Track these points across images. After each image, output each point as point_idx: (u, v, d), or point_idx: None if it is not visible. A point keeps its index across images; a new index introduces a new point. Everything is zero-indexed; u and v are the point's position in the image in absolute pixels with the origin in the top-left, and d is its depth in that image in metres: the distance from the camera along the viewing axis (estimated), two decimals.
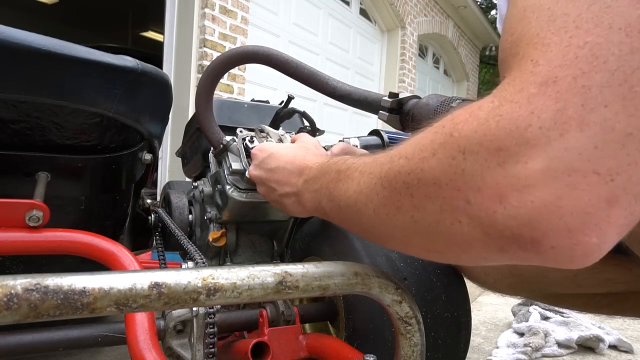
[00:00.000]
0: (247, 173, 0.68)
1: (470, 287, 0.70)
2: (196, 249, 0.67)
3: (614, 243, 0.23)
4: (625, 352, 1.18)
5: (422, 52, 5.66)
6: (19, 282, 0.27)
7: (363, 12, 4.59)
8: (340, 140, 0.99)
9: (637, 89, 0.21)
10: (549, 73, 0.23)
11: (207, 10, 2.94)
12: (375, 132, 1.02)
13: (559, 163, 0.22)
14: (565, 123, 0.22)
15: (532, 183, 0.22)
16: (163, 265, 0.82)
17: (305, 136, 0.64)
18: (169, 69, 3.07)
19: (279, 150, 0.58)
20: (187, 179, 1.19)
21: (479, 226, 0.25)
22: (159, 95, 0.76)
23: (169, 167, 3.08)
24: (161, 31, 3.27)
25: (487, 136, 0.24)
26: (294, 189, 0.54)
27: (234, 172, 0.76)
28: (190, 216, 0.94)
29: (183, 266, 0.62)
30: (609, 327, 1.28)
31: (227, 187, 0.78)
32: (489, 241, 0.25)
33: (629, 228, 0.23)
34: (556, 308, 1.35)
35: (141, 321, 0.51)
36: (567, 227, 0.22)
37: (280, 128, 0.87)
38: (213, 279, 0.33)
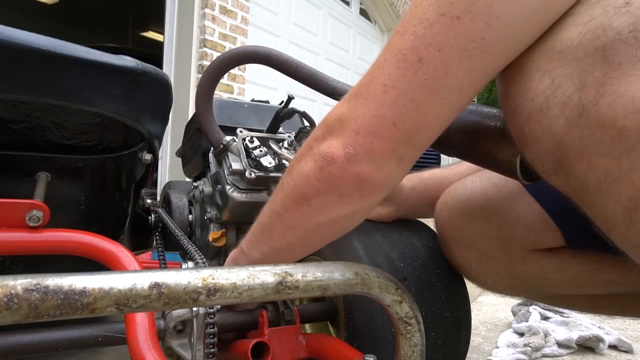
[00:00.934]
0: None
1: (470, 287, 0.70)
2: (196, 249, 0.67)
3: (371, 161, 0.39)
4: (625, 352, 1.18)
5: None
6: (19, 282, 0.27)
7: (363, 12, 4.59)
8: None
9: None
10: (354, 91, 0.41)
11: (207, 10, 2.94)
12: None
13: (346, 122, 0.40)
14: (354, 119, 0.39)
15: (336, 136, 0.41)
16: (163, 265, 0.82)
17: None
18: (169, 69, 3.07)
19: None
20: (187, 179, 1.19)
21: (312, 158, 0.42)
22: (159, 95, 0.76)
23: (169, 167, 3.08)
24: (161, 31, 3.27)
25: (329, 119, 0.42)
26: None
27: (234, 172, 0.76)
28: (190, 216, 0.94)
29: (183, 266, 0.62)
30: (609, 327, 1.28)
31: (227, 187, 0.78)
32: (315, 165, 0.41)
33: (382, 155, 0.39)
34: (556, 308, 1.35)
35: (141, 321, 0.51)
36: (340, 144, 0.40)
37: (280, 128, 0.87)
38: (213, 279, 0.33)
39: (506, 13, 0.32)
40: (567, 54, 0.31)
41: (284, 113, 0.84)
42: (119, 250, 0.62)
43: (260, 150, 0.77)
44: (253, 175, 0.74)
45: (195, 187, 0.93)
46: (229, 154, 0.78)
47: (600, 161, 0.30)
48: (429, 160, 0.97)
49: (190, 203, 0.96)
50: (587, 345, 1.19)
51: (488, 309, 1.51)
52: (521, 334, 1.23)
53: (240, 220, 0.86)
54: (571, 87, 0.31)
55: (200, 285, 0.33)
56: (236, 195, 0.77)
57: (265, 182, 0.76)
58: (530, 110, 0.33)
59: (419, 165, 1.02)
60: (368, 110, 0.38)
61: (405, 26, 0.36)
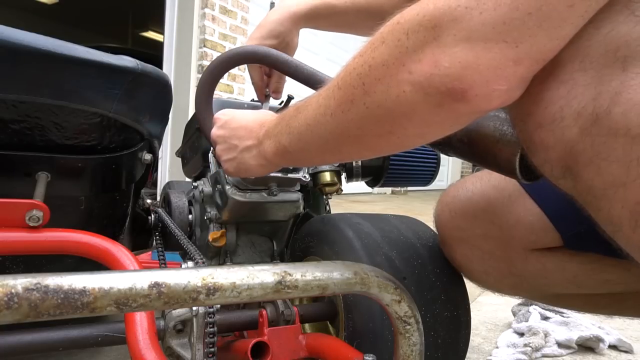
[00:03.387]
0: (210, 135, 0.68)
1: (470, 287, 0.70)
2: (196, 248, 0.67)
3: (519, 90, 0.32)
4: (625, 352, 1.18)
5: None
6: (19, 282, 0.27)
7: None
8: None
9: None
10: None
11: (207, 10, 2.94)
12: None
13: (479, 34, 0.29)
14: (485, 4, 0.28)
15: (459, 49, 0.30)
16: (163, 265, 0.83)
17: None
18: (169, 69, 3.07)
19: (242, 113, 0.62)
20: (187, 179, 1.20)
21: (420, 90, 0.32)
22: (159, 95, 0.76)
23: (169, 167, 3.08)
24: (161, 31, 3.28)
25: (426, 17, 0.31)
26: (255, 141, 0.55)
27: None
28: (190, 216, 0.94)
29: (183, 266, 0.62)
30: (608, 327, 1.28)
31: (227, 187, 0.78)
32: (428, 100, 0.32)
33: (529, 80, 0.31)
34: (556, 308, 1.35)
35: (141, 321, 0.51)
36: (484, 78, 0.30)
37: None
38: (212, 278, 0.34)
39: None
40: (588, 64, 0.31)
41: None
42: (119, 250, 0.62)
43: None
44: None
45: (195, 187, 0.93)
46: None
47: (609, 167, 0.30)
48: (428, 160, 0.97)
49: (190, 203, 0.96)
50: (587, 345, 1.19)
51: (488, 309, 1.51)
52: (521, 334, 1.23)
53: (240, 220, 0.86)
54: (587, 97, 0.30)
55: (199, 284, 0.33)
56: (236, 195, 0.77)
57: (265, 182, 0.76)
58: (542, 120, 0.33)
59: (417, 166, 1.02)
60: (541, 33, 0.28)
61: None
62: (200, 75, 2.52)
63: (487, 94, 0.30)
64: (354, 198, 4.88)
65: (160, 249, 0.89)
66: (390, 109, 0.34)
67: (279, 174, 0.77)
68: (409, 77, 0.32)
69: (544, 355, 1.13)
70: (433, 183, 1.09)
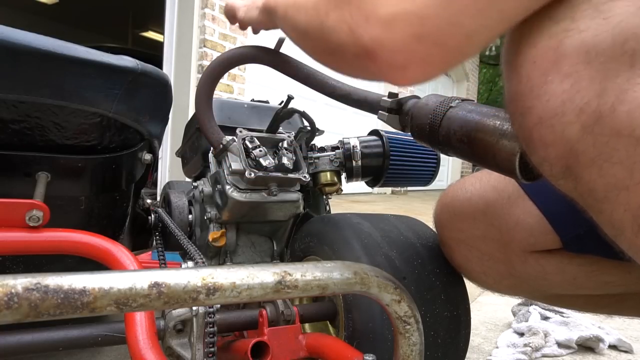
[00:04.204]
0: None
1: (470, 287, 0.70)
2: (196, 248, 0.67)
3: (420, 72, 0.36)
4: (625, 352, 1.18)
5: None
6: (19, 282, 0.27)
7: None
8: (339, 141, 0.99)
9: None
10: None
11: (207, 10, 2.95)
12: (375, 132, 1.02)
13: (397, 11, 0.33)
14: (419, 19, 0.32)
15: (381, 17, 0.34)
16: (163, 265, 0.83)
17: None
18: (169, 69, 3.07)
19: None
20: (187, 179, 1.20)
21: (351, 34, 0.37)
22: (159, 95, 0.76)
23: (169, 167, 3.08)
24: (161, 31, 3.28)
25: None
26: None
27: (234, 172, 0.76)
28: (190, 216, 0.94)
29: (183, 266, 0.62)
30: (608, 327, 1.28)
31: (227, 187, 0.78)
32: (353, 47, 0.37)
33: (435, 67, 0.35)
34: (556, 308, 1.35)
35: (141, 321, 0.51)
36: (391, 47, 0.34)
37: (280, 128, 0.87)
38: (212, 278, 0.34)
39: None
40: (593, 56, 0.29)
41: (284, 113, 0.84)
42: (119, 250, 0.62)
43: (260, 150, 0.77)
44: (253, 175, 0.74)
45: (195, 187, 0.93)
46: (228, 154, 0.78)
47: (611, 169, 0.29)
48: (428, 160, 0.97)
49: (190, 203, 0.96)
50: (587, 345, 1.19)
51: (488, 309, 1.51)
52: (521, 334, 1.23)
53: (240, 220, 0.86)
54: (591, 92, 0.29)
55: (199, 284, 0.33)
56: (236, 195, 0.77)
57: (264, 182, 0.76)
58: (542, 114, 0.32)
59: (417, 166, 1.02)
60: (442, 13, 0.32)
61: None
62: (200, 75, 2.53)
63: (390, 60, 0.35)
64: (354, 198, 4.88)
65: (160, 249, 0.89)
66: (331, 38, 0.40)
67: (279, 174, 0.77)
68: (350, 20, 0.37)
69: (544, 355, 1.13)
70: (433, 183, 1.09)
